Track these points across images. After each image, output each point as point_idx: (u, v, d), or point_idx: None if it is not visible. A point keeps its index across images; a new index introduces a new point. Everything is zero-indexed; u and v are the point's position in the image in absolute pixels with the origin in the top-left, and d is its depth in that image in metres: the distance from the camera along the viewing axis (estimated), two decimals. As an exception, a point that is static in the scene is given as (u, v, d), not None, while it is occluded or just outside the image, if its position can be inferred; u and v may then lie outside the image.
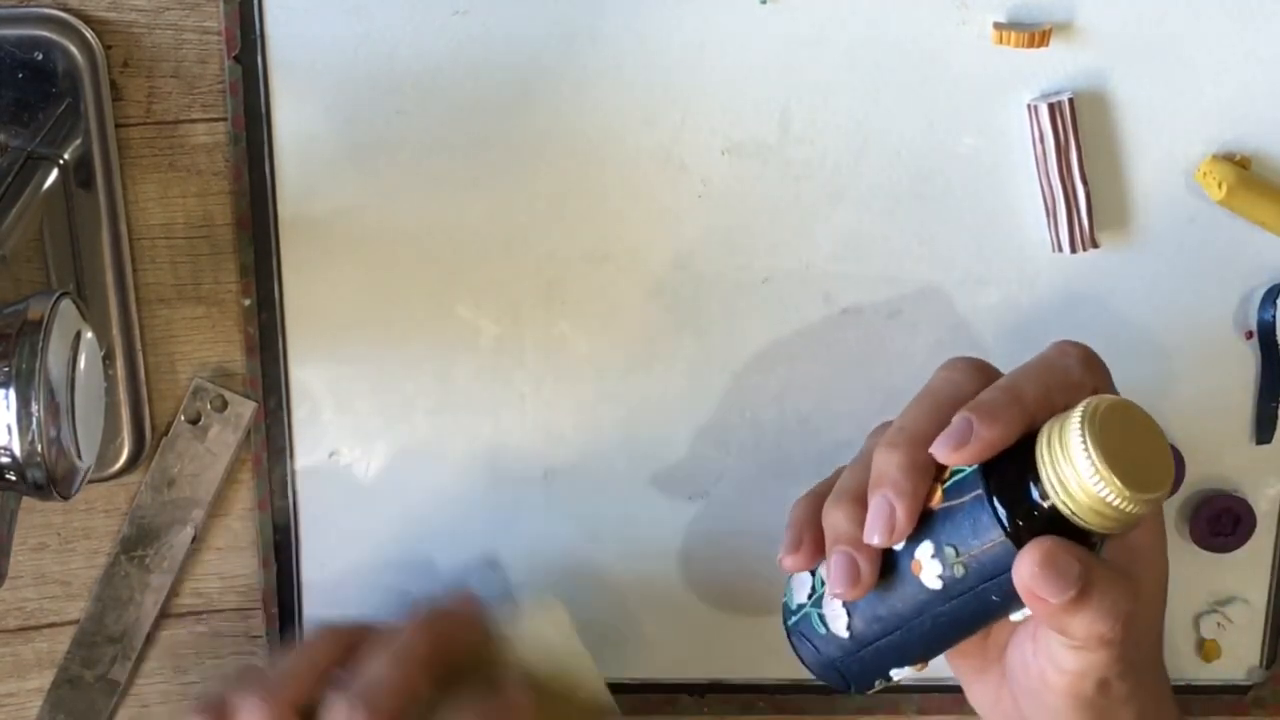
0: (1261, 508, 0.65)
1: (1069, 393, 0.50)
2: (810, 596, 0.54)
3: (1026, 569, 0.47)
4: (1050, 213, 0.61)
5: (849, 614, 0.52)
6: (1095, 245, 0.61)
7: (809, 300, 0.63)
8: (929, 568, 0.50)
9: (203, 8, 0.59)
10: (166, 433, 0.64)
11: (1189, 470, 0.64)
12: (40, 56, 0.58)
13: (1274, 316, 0.62)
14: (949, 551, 0.49)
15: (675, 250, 0.62)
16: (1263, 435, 0.64)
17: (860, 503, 0.51)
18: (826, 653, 0.54)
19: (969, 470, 0.49)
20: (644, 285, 0.62)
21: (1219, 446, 0.64)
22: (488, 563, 0.62)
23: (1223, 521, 0.64)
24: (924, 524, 0.50)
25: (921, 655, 0.52)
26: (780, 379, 0.64)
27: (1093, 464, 0.46)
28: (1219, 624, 0.66)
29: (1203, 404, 0.64)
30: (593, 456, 0.64)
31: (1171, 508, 0.65)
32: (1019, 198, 0.61)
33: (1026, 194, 0.61)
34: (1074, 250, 0.61)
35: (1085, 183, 0.60)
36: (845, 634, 0.52)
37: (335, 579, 0.65)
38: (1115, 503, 0.46)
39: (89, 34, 0.59)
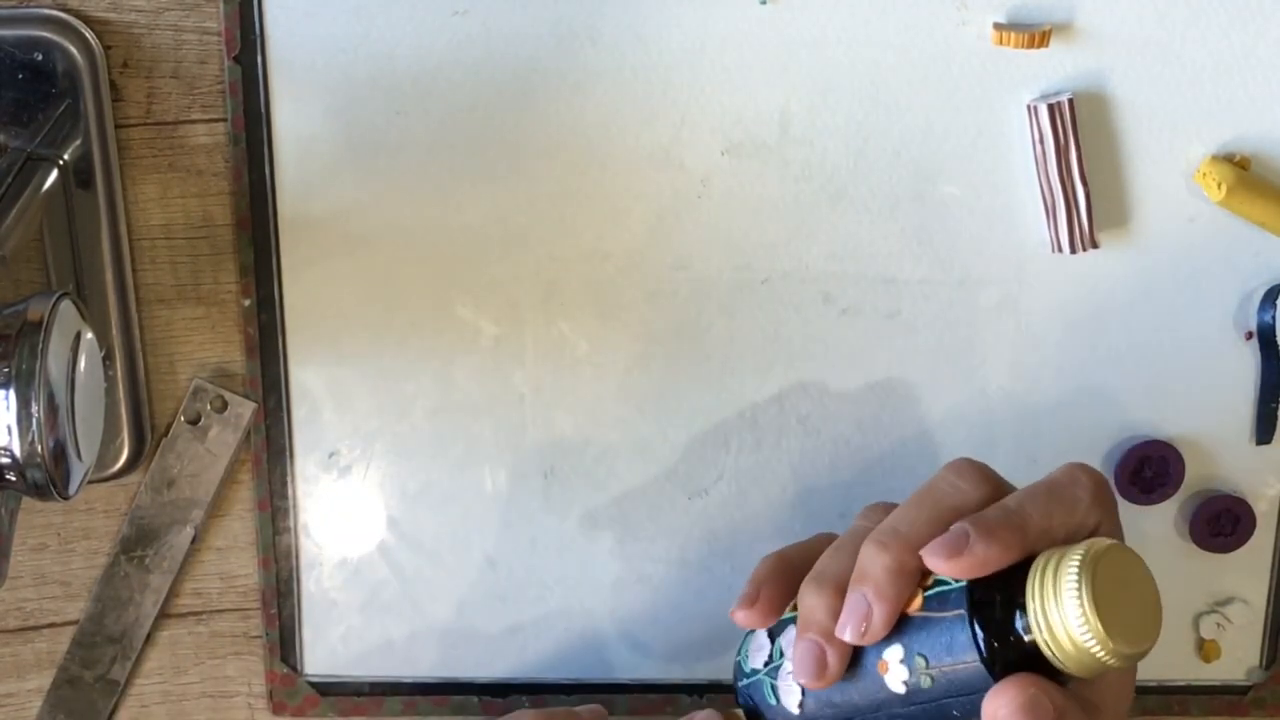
0: (1261, 508, 0.65)
1: (1073, 526, 0.49)
2: (766, 665, 0.54)
3: (1005, 708, 0.46)
4: (1050, 213, 0.61)
5: (803, 694, 0.52)
6: (1095, 245, 0.61)
7: (808, 300, 0.63)
8: (895, 671, 0.49)
9: (202, 8, 0.59)
10: (166, 433, 0.64)
11: (1188, 471, 0.64)
12: (40, 57, 0.58)
13: (1274, 317, 0.62)
14: (919, 661, 0.48)
15: (675, 250, 0.62)
16: (1263, 435, 0.64)
17: (839, 592, 0.50)
18: None
19: (955, 585, 0.48)
20: (644, 285, 0.62)
21: (1219, 446, 0.64)
22: None
23: (1222, 521, 0.64)
24: (899, 627, 0.49)
25: None
26: (780, 379, 0.64)
27: (1083, 613, 0.45)
28: (1218, 624, 0.66)
29: (1203, 404, 0.64)
30: (593, 456, 0.64)
31: (1172, 508, 0.65)
32: (1019, 198, 0.61)
33: (1026, 194, 0.61)
34: (1074, 250, 0.61)
35: (1085, 183, 0.60)
36: (796, 711, 0.52)
37: (335, 579, 0.66)
38: (1099, 655, 0.45)
39: (89, 34, 0.59)
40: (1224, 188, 0.60)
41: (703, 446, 0.64)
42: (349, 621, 0.66)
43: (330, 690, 0.67)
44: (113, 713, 0.66)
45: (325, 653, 0.66)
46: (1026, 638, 0.46)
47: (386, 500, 0.65)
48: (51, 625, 0.66)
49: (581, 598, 0.66)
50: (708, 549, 0.66)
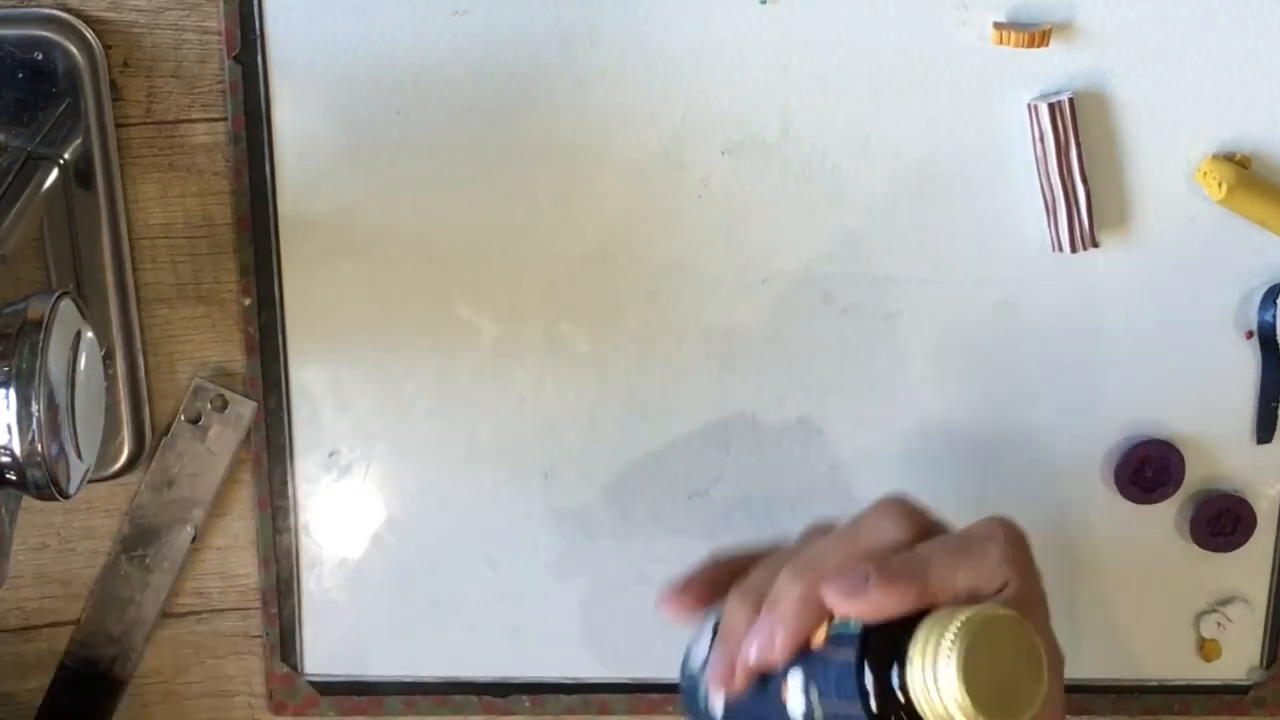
0: (1261, 508, 0.65)
1: (979, 582, 0.49)
2: (702, 665, 0.54)
3: None
4: (1050, 213, 0.61)
5: (726, 702, 0.52)
6: (1095, 245, 0.61)
7: (809, 300, 0.63)
8: (795, 698, 0.49)
9: (203, 8, 0.59)
10: (166, 433, 0.64)
11: (1189, 470, 0.64)
12: (40, 56, 0.58)
13: (1274, 316, 0.62)
14: (814, 693, 0.49)
15: (675, 250, 0.62)
16: (1263, 435, 0.64)
17: (758, 608, 0.51)
18: None
19: (855, 626, 0.48)
20: (644, 285, 0.62)
21: (1219, 446, 0.64)
22: None
23: (1223, 521, 0.64)
24: (804, 655, 0.50)
25: None
26: (780, 379, 0.64)
27: (954, 684, 0.44)
28: (1219, 624, 0.66)
29: (1203, 404, 0.64)
30: (593, 456, 0.64)
31: (1172, 507, 0.65)
32: (1019, 198, 0.61)
33: (1026, 194, 0.61)
34: (1074, 250, 0.61)
35: (1085, 183, 0.60)
36: (719, 717, 0.53)
37: (335, 579, 0.66)
38: None
39: (89, 34, 0.59)
40: (1224, 187, 0.60)
41: (703, 446, 0.64)
42: (349, 621, 0.66)
43: (330, 690, 0.67)
44: (113, 713, 0.66)
45: (325, 653, 0.66)
46: (903, 695, 0.46)
47: (386, 500, 0.65)
48: (51, 625, 0.66)
49: (581, 598, 0.66)
50: (707, 549, 0.65)
